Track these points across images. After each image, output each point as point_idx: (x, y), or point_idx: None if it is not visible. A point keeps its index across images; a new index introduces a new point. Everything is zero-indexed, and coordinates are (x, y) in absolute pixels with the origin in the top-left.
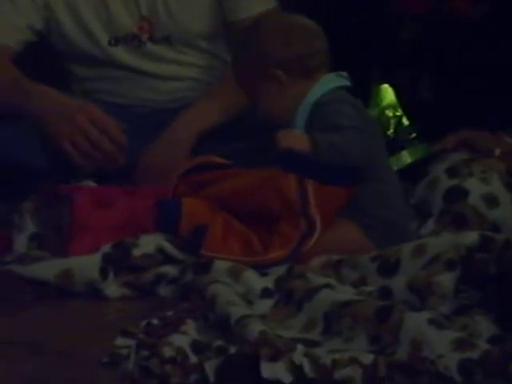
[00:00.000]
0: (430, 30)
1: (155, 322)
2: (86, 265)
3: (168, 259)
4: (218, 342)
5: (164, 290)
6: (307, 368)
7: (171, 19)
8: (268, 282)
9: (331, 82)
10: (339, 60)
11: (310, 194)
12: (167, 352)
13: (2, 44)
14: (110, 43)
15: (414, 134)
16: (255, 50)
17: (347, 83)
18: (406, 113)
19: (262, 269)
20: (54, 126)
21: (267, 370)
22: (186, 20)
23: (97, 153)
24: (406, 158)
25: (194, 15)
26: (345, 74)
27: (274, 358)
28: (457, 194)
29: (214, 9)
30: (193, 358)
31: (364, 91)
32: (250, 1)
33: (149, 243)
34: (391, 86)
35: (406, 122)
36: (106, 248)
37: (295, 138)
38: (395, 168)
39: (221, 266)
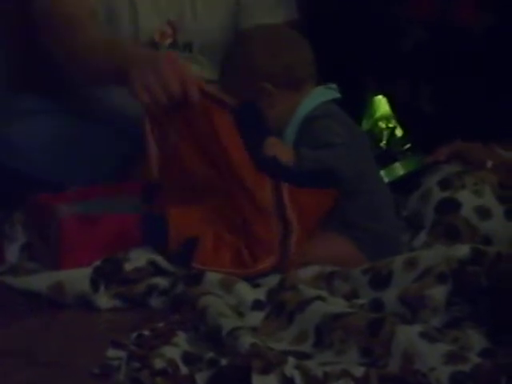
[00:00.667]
0: (433, 38)
1: (146, 333)
2: (76, 277)
3: (159, 271)
4: (210, 354)
5: (155, 302)
6: (298, 380)
7: (196, 25)
8: (260, 294)
9: (321, 95)
10: (334, 70)
11: (285, 197)
12: (158, 364)
13: (95, 9)
14: None
15: (407, 146)
16: (243, 63)
17: (337, 95)
18: (401, 124)
19: (252, 280)
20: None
21: (258, 382)
22: (210, 27)
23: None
24: (398, 169)
25: (217, 23)
26: (334, 86)
27: (265, 371)
28: (449, 206)
29: (234, 18)
30: (184, 370)
31: (359, 102)
32: (272, 12)
33: (139, 257)
34: (387, 96)
35: (398, 133)
36: (97, 262)
37: (281, 150)
38: (388, 180)
39: (212, 277)
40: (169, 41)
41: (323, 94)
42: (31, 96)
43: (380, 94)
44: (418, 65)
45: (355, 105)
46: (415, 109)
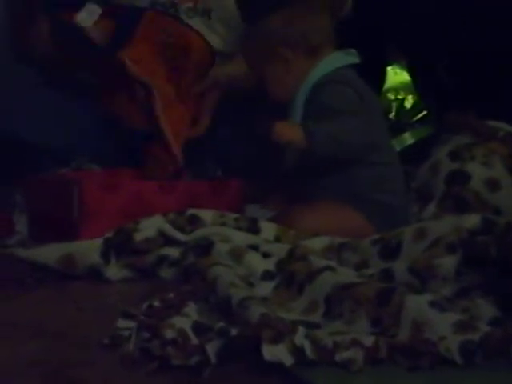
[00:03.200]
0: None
1: (156, 304)
2: (87, 249)
3: (169, 242)
4: (220, 324)
5: (165, 272)
6: (308, 350)
7: None
8: (269, 265)
9: (336, 60)
10: (353, 39)
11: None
12: (168, 334)
13: None
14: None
15: (420, 115)
16: (259, 30)
17: (355, 60)
18: (418, 94)
19: None
20: None
21: (268, 352)
22: None
23: None
24: (407, 139)
25: None
26: (353, 51)
27: (275, 340)
28: (459, 178)
29: None
30: (194, 340)
31: (378, 71)
32: None
33: (150, 227)
34: (407, 67)
35: (408, 105)
36: (108, 234)
37: (291, 131)
38: (397, 149)
39: (222, 248)
40: (188, 4)
41: (339, 60)
42: (32, 69)
43: (395, 65)
44: (438, 34)
45: (373, 75)
46: (433, 78)
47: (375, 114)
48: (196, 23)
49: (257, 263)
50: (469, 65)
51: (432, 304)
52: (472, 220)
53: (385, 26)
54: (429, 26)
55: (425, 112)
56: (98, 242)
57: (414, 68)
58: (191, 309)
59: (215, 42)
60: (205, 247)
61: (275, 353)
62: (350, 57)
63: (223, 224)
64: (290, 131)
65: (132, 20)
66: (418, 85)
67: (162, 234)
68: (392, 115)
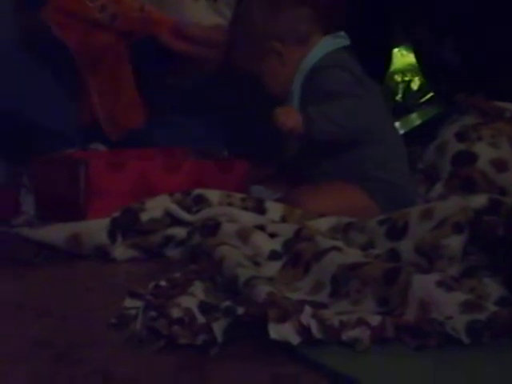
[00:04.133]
0: None
1: (163, 283)
2: (94, 229)
3: (176, 222)
4: (226, 303)
5: (172, 252)
6: (315, 329)
7: None
8: (276, 245)
9: (328, 45)
10: (359, 21)
11: None
12: (175, 313)
13: None
14: None
15: (427, 96)
16: (247, 28)
17: (345, 43)
18: (425, 75)
19: None
20: None
21: (275, 331)
22: None
23: None
24: (414, 119)
25: None
26: (342, 33)
27: (281, 320)
28: (465, 159)
29: None
30: (200, 319)
31: (384, 54)
32: None
33: (156, 207)
34: (413, 48)
35: (414, 86)
36: (115, 213)
37: (290, 116)
38: (404, 130)
39: (229, 228)
40: None
41: (331, 44)
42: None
43: (401, 47)
44: (443, 15)
45: (380, 56)
46: (439, 60)
47: (374, 95)
48: (201, 7)
49: (263, 243)
50: (475, 46)
51: (439, 283)
52: (479, 200)
53: (390, 8)
54: (434, 8)
55: (432, 94)
56: (104, 222)
57: (419, 51)
58: (197, 288)
59: (220, 23)
60: (211, 227)
61: (281, 332)
62: (340, 39)
63: (230, 204)
64: (289, 115)
65: None
66: (425, 67)
67: (168, 214)
68: (399, 97)
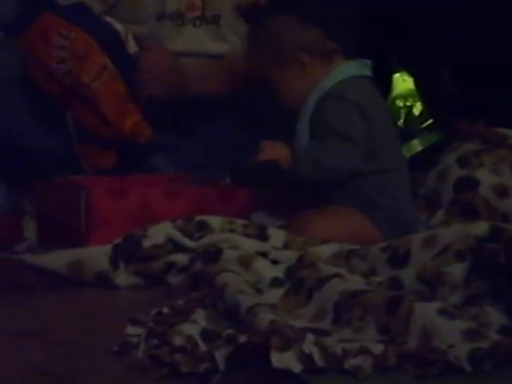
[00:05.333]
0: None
1: (165, 310)
2: (96, 255)
3: (178, 248)
4: (228, 331)
5: (174, 279)
6: (317, 357)
7: None
8: (278, 271)
9: (349, 71)
10: (359, 46)
11: None
12: (177, 341)
13: None
14: (157, 18)
15: (427, 123)
16: (275, 35)
17: (366, 73)
18: (423, 102)
19: None
20: None
21: (277, 359)
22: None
23: None
24: (416, 145)
25: None
26: (367, 61)
27: (283, 348)
28: (467, 185)
29: None
30: (203, 347)
31: (383, 79)
32: None
33: (158, 233)
34: (412, 75)
35: (416, 112)
36: (117, 240)
37: (278, 151)
38: (406, 156)
39: (231, 254)
40: (196, 13)
41: (351, 70)
42: None
43: (403, 72)
44: (440, 43)
45: (379, 83)
46: (438, 88)
47: (381, 125)
48: (203, 33)
49: (265, 270)
50: (474, 73)
51: (441, 312)
52: (480, 227)
53: (389, 34)
54: (432, 35)
55: (433, 119)
56: (106, 249)
57: (419, 77)
58: (200, 315)
59: (225, 50)
60: (213, 254)
61: (284, 360)
62: (362, 67)
63: (232, 231)
64: (274, 151)
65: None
66: (424, 93)
67: (170, 240)
68: (400, 122)
